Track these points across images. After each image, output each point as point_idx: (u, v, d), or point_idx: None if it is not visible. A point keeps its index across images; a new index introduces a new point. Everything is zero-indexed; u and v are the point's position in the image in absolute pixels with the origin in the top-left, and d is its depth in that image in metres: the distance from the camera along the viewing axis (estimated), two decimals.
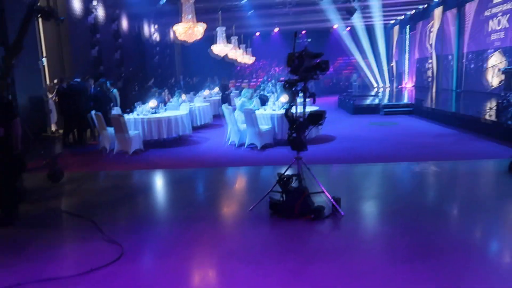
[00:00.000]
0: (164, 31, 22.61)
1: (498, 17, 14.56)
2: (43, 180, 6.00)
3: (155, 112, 9.24)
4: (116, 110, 9.71)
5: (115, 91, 11.20)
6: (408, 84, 24.43)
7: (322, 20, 22.16)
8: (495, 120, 8.59)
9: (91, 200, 5.30)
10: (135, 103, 9.63)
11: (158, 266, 3.39)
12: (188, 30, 10.01)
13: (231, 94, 15.82)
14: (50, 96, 10.77)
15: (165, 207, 5.19)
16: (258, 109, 9.40)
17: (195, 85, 19.74)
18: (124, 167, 7.29)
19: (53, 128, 11.00)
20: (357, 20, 22.35)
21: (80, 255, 3.66)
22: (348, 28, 25.87)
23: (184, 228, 4.17)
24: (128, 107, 10.24)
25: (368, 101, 15.43)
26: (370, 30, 25.01)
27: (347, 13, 17.66)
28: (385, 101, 14.89)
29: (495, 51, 14.75)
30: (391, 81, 26.58)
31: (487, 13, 15.37)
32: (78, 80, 9.81)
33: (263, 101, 10.65)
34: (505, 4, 14.12)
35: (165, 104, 10.39)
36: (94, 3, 14.18)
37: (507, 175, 5.54)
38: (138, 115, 9.01)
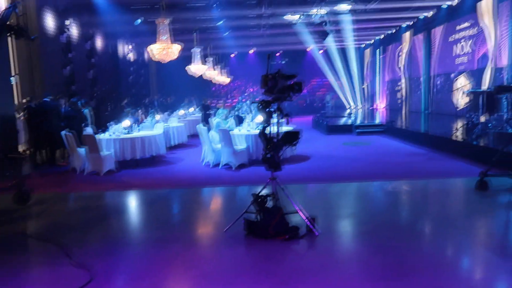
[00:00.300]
0: (139, 51, 22.55)
1: (462, 43, 15.32)
2: (9, 202, 5.75)
3: (129, 132, 9.10)
4: (88, 130, 9.53)
5: (87, 110, 11.01)
6: (380, 105, 25.13)
7: (297, 42, 22.72)
8: (463, 140, 8.92)
9: (60, 222, 5.11)
10: (108, 123, 9.48)
11: None
12: (163, 50, 10.02)
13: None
14: (18, 116, 10.44)
15: (138, 229, 5.06)
16: (234, 129, 9.42)
17: (170, 104, 19.66)
18: (96, 187, 7.10)
19: (21, 148, 10.62)
20: (330, 43, 23.02)
21: (46, 282, 3.49)
22: (322, 50, 26.57)
23: (157, 251, 4.06)
24: (101, 127, 10.06)
25: (342, 121, 15.76)
26: (343, 52, 25.76)
27: (321, 36, 18.20)
28: (358, 121, 15.24)
29: (460, 74, 15.45)
30: (363, 102, 27.30)
31: (452, 38, 16.16)
32: (48, 99, 9.57)
33: (239, 121, 10.69)
34: (467, 30, 14.90)
35: (139, 124, 10.27)
36: (68, 22, 14.04)
37: (475, 192, 5.72)
38: (111, 135, 8.85)
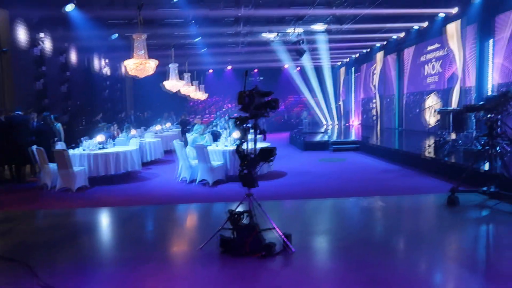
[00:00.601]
0: (115, 65, 22.32)
1: (432, 63, 15.93)
2: None
3: (103, 147, 8.92)
4: (60, 145, 9.28)
5: (59, 125, 10.74)
6: (355, 122, 25.65)
7: (273, 59, 23.06)
8: (434, 157, 9.18)
9: (27, 241, 4.91)
10: (81, 138, 9.26)
11: None
12: (139, 65, 9.93)
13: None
14: None
15: (110, 247, 4.91)
16: (210, 144, 9.38)
17: (146, 120, 19.44)
18: (67, 204, 6.88)
19: None
20: (306, 61, 23.48)
21: None
22: (298, 68, 27.05)
23: (129, 270, 3.94)
24: (73, 142, 9.81)
25: (318, 137, 15.96)
26: (318, 70, 26.31)
27: (297, 54, 18.56)
28: (334, 138, 15.47)
29: (431, 93, 16.01)
30: (339, 119, 27.81)
31: (422, 59, 16.78)
32: (20, 112, 9.29)
33: (215, 136, 10.66)
34: (437, 52, 15.53)
35: (113, 139, 10.09)
36: (41, 35, 13.79)
37: (446, 208, 5.86)
38: (84, 150, 8.65)
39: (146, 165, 11.05)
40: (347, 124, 26.35)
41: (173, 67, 15.43)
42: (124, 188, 8.22)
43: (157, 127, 15.60)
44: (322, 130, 20.80)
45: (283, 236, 4.28)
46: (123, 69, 22.71)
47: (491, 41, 12.26)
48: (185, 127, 14.52)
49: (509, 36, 11.45)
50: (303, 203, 6.69)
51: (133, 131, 12.10)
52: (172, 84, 15.54)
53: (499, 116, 5.76)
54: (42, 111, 10.72)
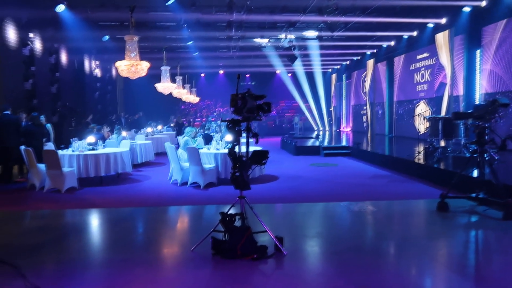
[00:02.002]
0: (106, 67, 22.18)
1: (422, 71, 16.15)
2: None
3: (93, 148, 8.83)
4: (49, 146, 9.17)
5: (48, 125, 10.61)
6: (346, 128, 25.83)
7: (265, 64, 23.16)
8: (424, 163, 9.27)
9: (14, 242, 4.81)
10: (71, 139, 9.17)
11: None
12: (131, 67, 9.88)
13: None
14: None
15: (99, 249, 4.85)
16: (202, 147, 9.35)
17: (137, 121, 19.32)
18: (56, 206, 6.78)
19: None
20: (298, 67, 23.64)
21: None
22: (291, 74, 27.19)
23: (119, 272, 3.89)
24: (63, 143, 9.70)
25: (309, 142, 16.02)
26: (310, 76, 26.49)
27: (289, 60, 18.67)
28: (325, 143, 15.55)
29: (421, 100, 16.21)
30: (330, 125, 27.97)
31: (412, 67, 17.00)
32: (8, 112, 9.15)
33: (207, 139, 10.63)
34: (427, 60, 15.75)
35: (104, 141, 10.00)
36: (31, 35, 13.64)
37: (436, 214, 5.92)
38: (73, 151, 8.55)
39: (137, 167, 10.97)
40: (338, 130, 26.51)
41: (165, 70, 15.39)
42: (114, 190, 8.14)
43: (149, 129, 15.52)
44: (314, 135, 20.88)
45: (275, 239, 4.27)
46: (114, 71, 22.60)
47: (478, 51, 12.49)
48: (181, 129, 14.52)
49: (496, 47, 11.69)
50: (294, 207, 6.69)
51: (124, 133, 12.01)
52: (164, 86, 15.50)
53: (487, 124, 5.84)
54: (31, 111, 10.58)
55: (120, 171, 8.96)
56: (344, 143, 15.51)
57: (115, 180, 9.01)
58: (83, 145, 8.71)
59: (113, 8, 12.80)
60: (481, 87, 12.38)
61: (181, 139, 10.36)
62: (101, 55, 20.34)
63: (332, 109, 28.32)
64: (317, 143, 15.37)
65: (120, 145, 10.33)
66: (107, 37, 16.16)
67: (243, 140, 4.45)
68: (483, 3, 12.17)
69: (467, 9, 12.80)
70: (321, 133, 22.48)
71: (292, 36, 17.07)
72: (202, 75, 27.92)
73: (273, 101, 4.75)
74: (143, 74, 10.35)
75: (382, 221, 5.92)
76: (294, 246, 4.47)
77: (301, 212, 6.42)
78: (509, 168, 8.16)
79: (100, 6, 12.80)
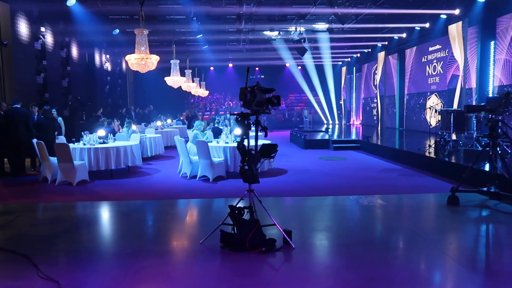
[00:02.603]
0: (116, 61, 22.31)
1: (434, 64, 15.91)
2: None
3: (104, 142, 8.92)
4: (60, 139, 9.28)
5: (60, 119, 10.74)
6: (356, 121, 25.65)
7: (275, 57, 23.05)
8: (434, 157, 9.18)
9: (27, 233, 4.90)
10: (82, 132, 9.27)
11: None
12: (141, 60, 9.93)
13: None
14: None
15: (110, 241, 4.91)
16: (211, 141, 9.38)
17: (147, 115, 19.45)
18: (67, 198, 6.88)
19: None
20: (308, 59, 23.48)
21: None
22: (300, 67, 27.03)
23: (130, 263, 3.95)
24: (74, 136, 9.81)
25: (319, 136, 15.96)
26: (320, 69, 26.29)
27: (299, 53, 18.55)
28: (335, 136, 15.47)
29: (432, 93, 16.00)
30: (340, 118, 27.80)
31: (424, 59, 16.76)
32: (17, 106, 9.25)
33: (216, 133, 10.66)
34: (438, 52, 15.51)
35: (114, 134, 10.09)
36: (43, 29, 13.77)
37: (447, 207, 5.86)
38: (84, 144, 8.65)
39: (147, 160, 11.06)
40: (348, 123, 26.35)
41: (174, 63, 15.43)
42: (124, 183, 8.22)
43: (158, 123, 15.62)
44: (323, 128, 20.79)
45: (283, 232, 4.28)
46: (124, 65, 22.72)
47: (492, 42, 12.25)
48: (192, 122, 14.59)
49: (511, 37, 11.44)
50: (303, 200, 6.69)
51: (134, 127, 12.10)
52: (174, 80, 15.55)
53: (500, 117, 5.75)
54: (42, 105, 10.71)
55: (130, 164, 9.05)
56: (353, 137, 15.42)
57: (125, 173, 9.09)
58: (94, 139, 8.80)
59: (123, 1, 12.85)
60: (495, 79, 12.16)
61: (191, 133, 10.41)
62: (111, 48, 20.47)
63: (342, 102, 28.13)
64: (326, 137, 15.30)
65: (130, 138, 10.42)
66: (117, 30, 16.24)
67: (252, 133, 4.45)
68: None
69: (481, 0, 12.55)
70: (330, 126, 22.38)
71: (302, 28, 16.94)
72: (212, 68, 27.92)
73: (283, 94, 4.74)
74: (153, 67, 10.40)
75: (391, 214, 5.89)
76: (302, 240, 4.47)
77: (310, 205, 6.42)
78: None
79: None
